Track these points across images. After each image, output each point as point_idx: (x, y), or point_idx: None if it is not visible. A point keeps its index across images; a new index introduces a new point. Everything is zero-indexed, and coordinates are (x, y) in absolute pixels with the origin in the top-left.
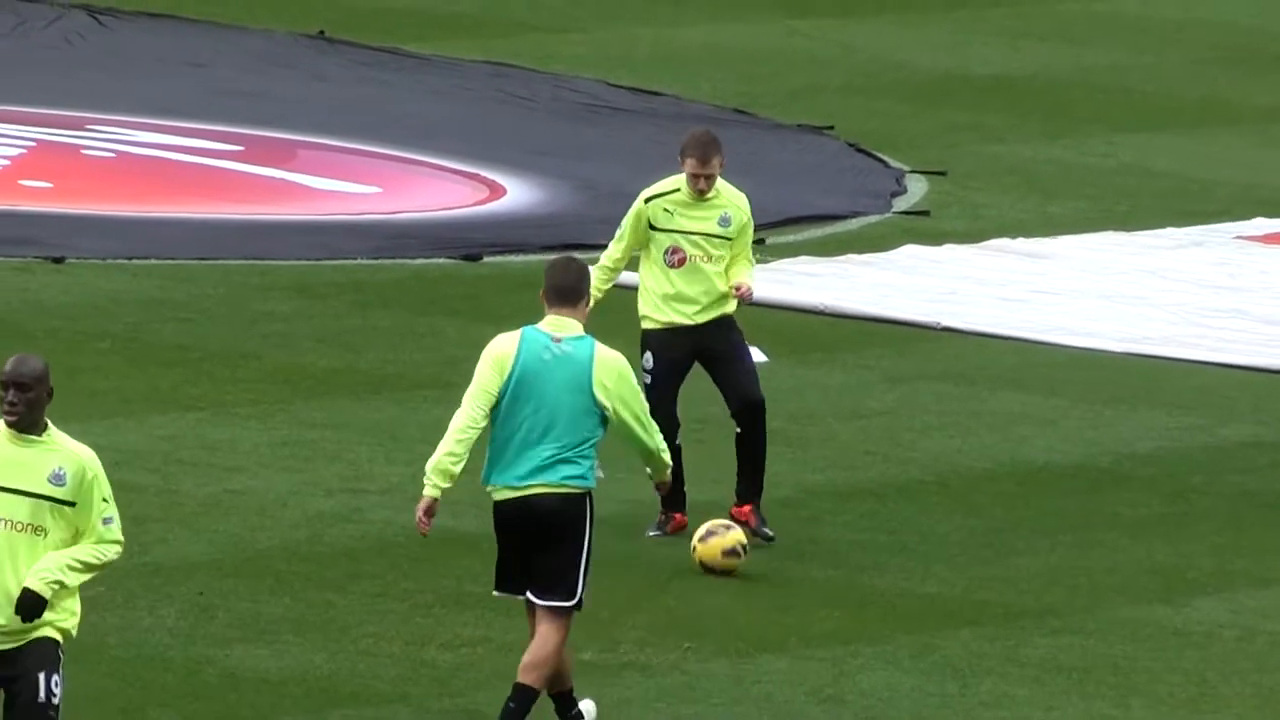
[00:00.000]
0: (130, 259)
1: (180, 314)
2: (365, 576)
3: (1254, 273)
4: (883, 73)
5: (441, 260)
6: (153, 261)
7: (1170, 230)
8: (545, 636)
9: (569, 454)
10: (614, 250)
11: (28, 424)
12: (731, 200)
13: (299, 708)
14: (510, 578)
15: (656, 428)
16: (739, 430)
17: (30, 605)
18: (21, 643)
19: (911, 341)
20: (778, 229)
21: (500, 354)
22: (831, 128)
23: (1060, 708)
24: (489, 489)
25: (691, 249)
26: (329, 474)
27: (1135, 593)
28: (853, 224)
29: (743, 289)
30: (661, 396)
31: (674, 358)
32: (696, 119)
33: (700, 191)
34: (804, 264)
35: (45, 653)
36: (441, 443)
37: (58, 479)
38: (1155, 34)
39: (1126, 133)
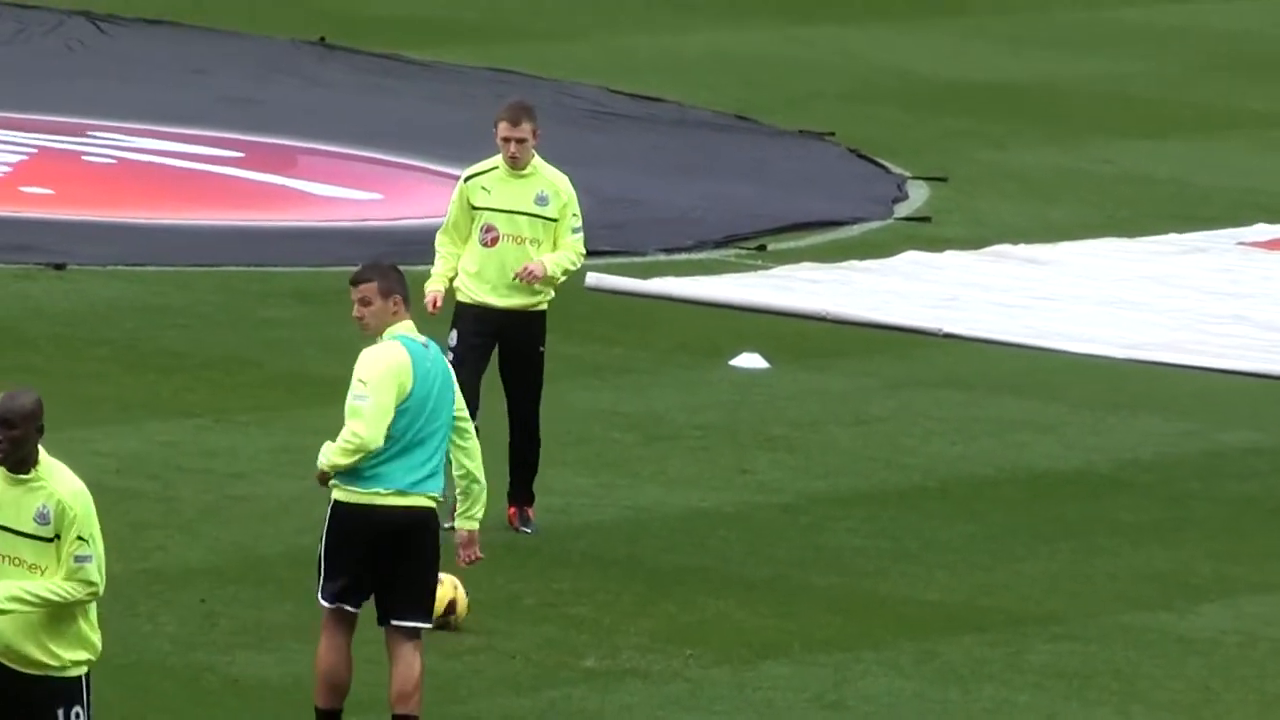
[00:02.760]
0: (130, 265)
1: (180, 320)
2: None
3: (1255, 279)
4: (883, 79)
5: None
6: (153, 268)
7: (1171, 236)
8: (410, 661)
9: (441, 460)
10: (442, 238)
11: (14, 462)
12: (550, 179)
13: (301, 715)
14: (361, 588)
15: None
16: (512, 440)
17: None
18: (34, 676)
19: (912, 347)
20: (779, 235)
21: (399, 362)
22: (832, 134)
23: (1062, 714)
24: (366, 491)
25: (505, 227)
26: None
27: (1136, 599)
28: (854, 230)
29: (526, 270)
30: (465, 375)
31: (477, 339)
32: (697, 125)
33: (514, 158)
34: (805, 270)
35: (68, 688)
36: (340, 451)
37: (42, 518)
38: (1154, 41)
39: (1127, 139)
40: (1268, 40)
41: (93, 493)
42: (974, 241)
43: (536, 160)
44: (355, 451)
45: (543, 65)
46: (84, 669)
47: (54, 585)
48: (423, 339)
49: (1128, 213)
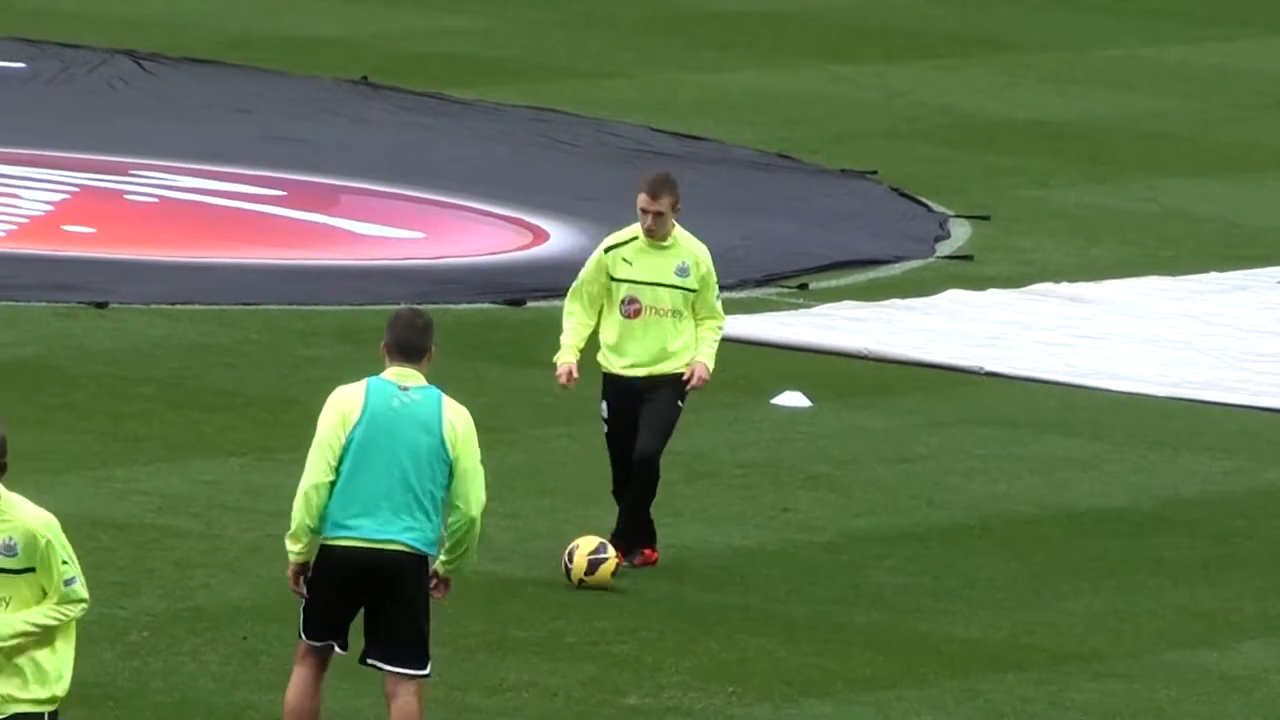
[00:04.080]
0: (174, 304)
1: (224, 359)
2: None
3: None
4: (926, 117)
5: (485, 305)
6: (196, 306)
7: (1214, 275)
8: (408, 707)
9: (421, 509)
10: (573, 305)
11: None
12: (690, 250)
13: None
14: (332, 628)
15: (483, 497)
16: (637, 484)
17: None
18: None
19: (955, 386)
20: (821, 274)
21: (345, 404)
22: (875, 172)
23: None
24: (329, 539)
25: (648, 299)
26: None
27: (1179, 637)
28: (896, 268)
29: (694, 377)
30: (619, 445)
31: (627, 411)
32: (740, 164)
33: (650, 230)
34: (848, 308)
35: None
36: (295, 506)
37: (9, 550)
38: (1198, 80)
39: (1170, 177)
40: None
41: (136, 531)
42: (1016, 280)
43: (677, 230)
44: (301, 493)
45: (585, 104)
46: (51, 707)
47: (48, 610)
48: (404, 388)
49: (1170, 251)
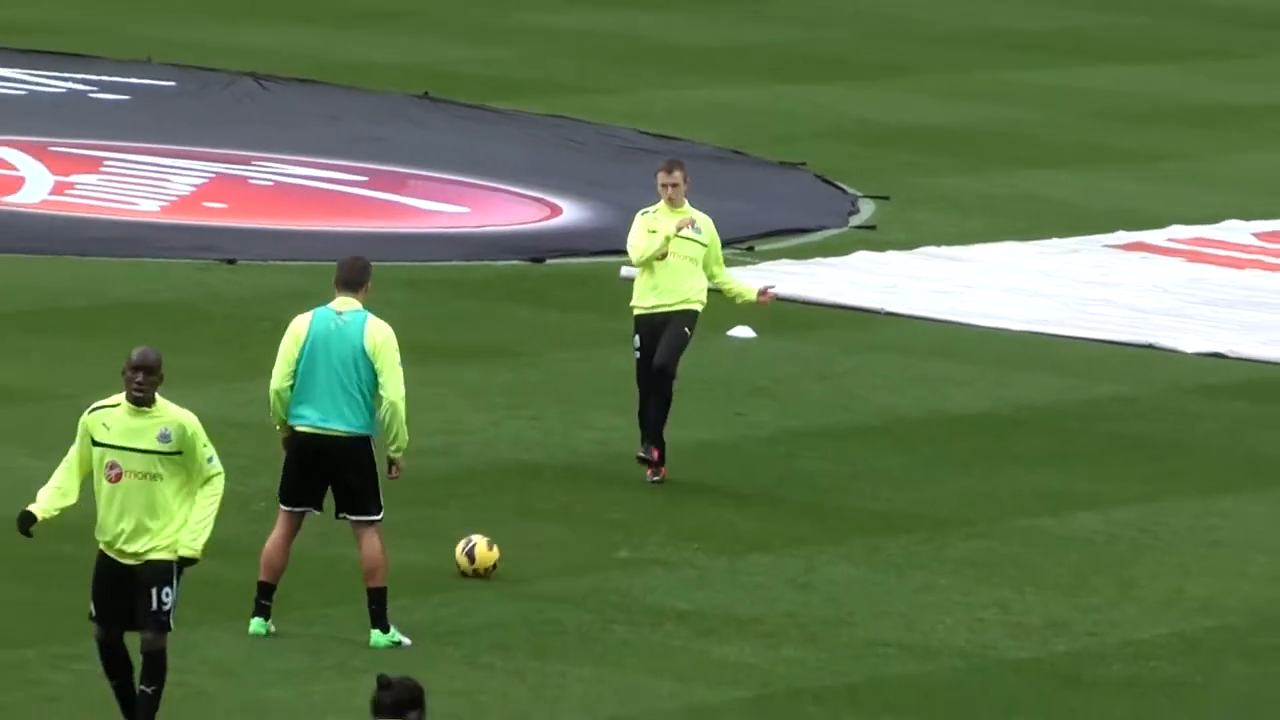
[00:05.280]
0: (284, 260)
1: (320, 301)
2: (458, 496)
3: (1118, 272)
4: (843, 124)
5: (515, 262)
6: (301, 262)
7: (1055, 241)
8: (371, 545)
9: (354, 403)
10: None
11: (147, 401)
12: (698, 215)
13: (409, 591)
14: (302, 494)
15: (401, 389)
16: (656, 396)
17: (187, 564)
18: (140, 563)
19: (863, 323)
20: (764, 239)
21: (298, 328)
22: (804, 164)
23: (974, 592)
24: (294, 426)
25: (675, 249)
26: (431, 421)
27: (1030, 508)
28: (818, 236)
29: (770, 296)
30: (644, 368)
31: (651, 339)
32: (702, 158)
33: (670, 199)
34: (783, 265)
35: (161, 569)
36: (270, 402)
37: (164, 437)
38: (1048, 96)
39: (1025, 169)
40: (1132, 96)
41: (256, 429)
42: (909, 244)
43: (688, 203)
44: (272, 392)
45: (589, 112)
46: (174, 557)
47: (203, 501)
48: (339, 313)
49: (1024, 224)
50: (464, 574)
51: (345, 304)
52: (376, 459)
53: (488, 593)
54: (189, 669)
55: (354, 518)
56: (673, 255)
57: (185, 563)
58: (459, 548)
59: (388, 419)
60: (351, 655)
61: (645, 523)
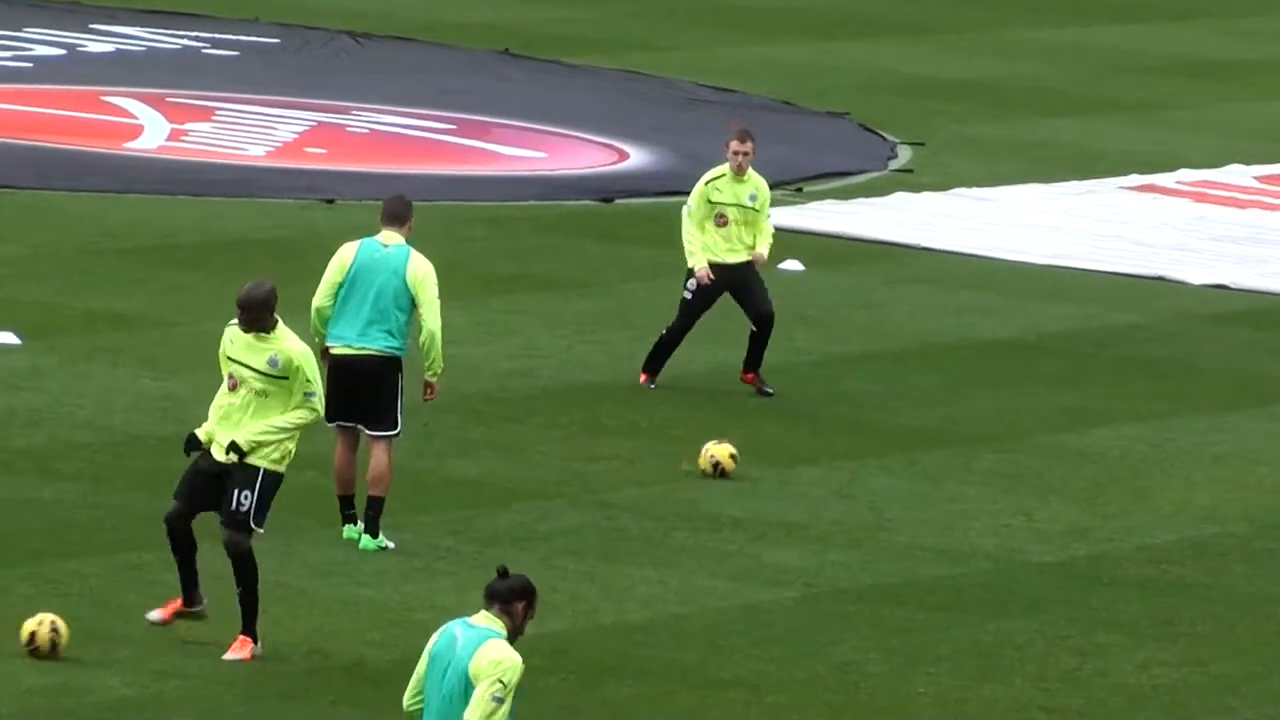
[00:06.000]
0: (378, 200)
1: (411, 237)
2: (536, 413)
3: (1130, 211)
4: (882, 77)
5: (587, 201)
6: None
7: (1074, 183)
8: (379, 458)
9: (389, 326)
10: (690, 225)
11: (258, 329)
12: (758, 183)
13: (491, 501)
14: (344, 412)
15: (439, 320)
16: (754, 329)
17: (233, 450)
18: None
19: (901, 257)
20: (811, 181)
21: (345, 254)
22: (848, 114)
23: (1001, 501)
24: (330, 346)
25: (732, 215)
26: (511, 345)
27: (1051, 425)
28: (860, 178)
29: (759, 258)
30: (699, 308)
31: (713, 287)
32: (756, 108)
33: (739, 167)
34: (829, 205)
35: (246, 475)
36: (312, 317)
37: (273, 364)
38: (1064, 52)
39: (1046, 117)
40: (1144, 52)
41: None
42: (942, 186)
43: (751, 171)
44: (314, 309)
45: (656, 67)
46: (263, 466)
47: (289, 417)
48: (385, 245)
49: (1045, 168)
50: (704, 474)
51: (390, 237)
52: (404, 382)
53: (561, 501)
54: (289, 571)
55: (370, 431)
56: (732, 223)
57: (239, 454)
58: (705, 461)
59: (427, 346)
60: (436, 559)
61: (704, 438)
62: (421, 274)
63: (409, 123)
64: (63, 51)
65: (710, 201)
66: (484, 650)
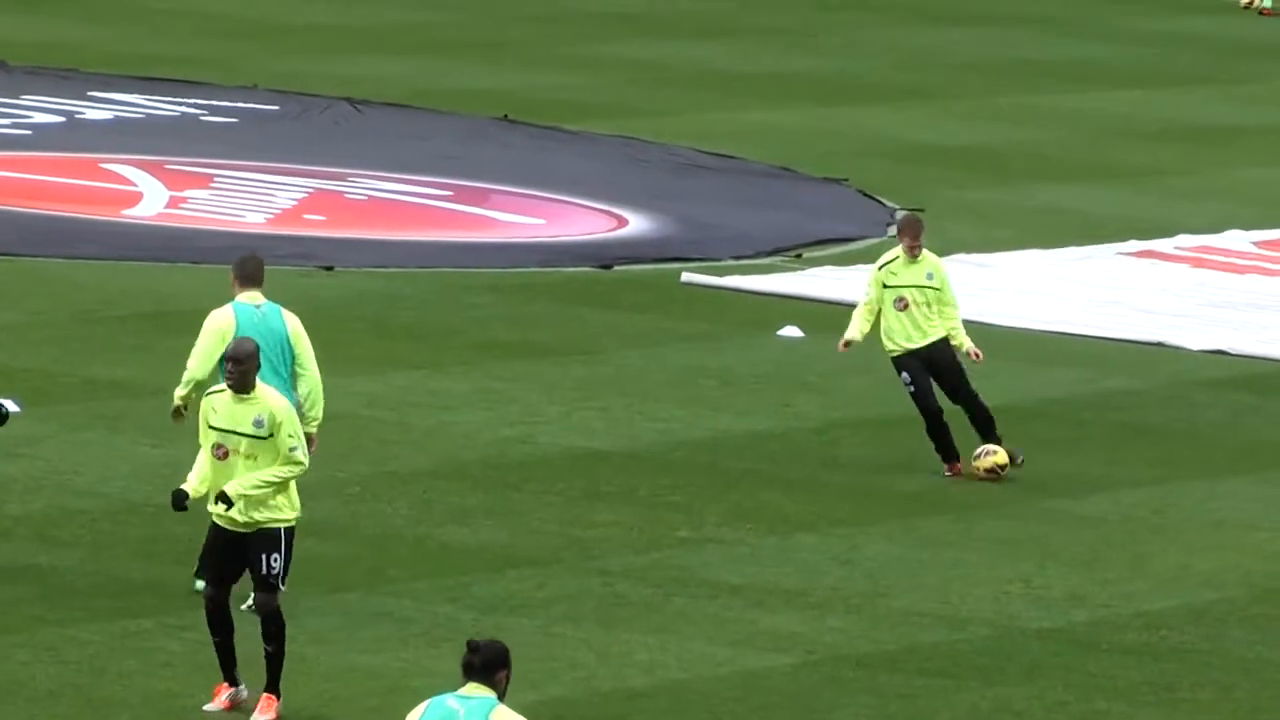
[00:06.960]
0: (377, 268)
1: (411, 304)
2: (534, 480)
3: (1129, 277)
4: (882, 144)
5: (585, 268)
6: (393, 269)
7: (1072, 249)
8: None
9: (278, 384)
10: (863, 310)
11: (242, 387)
12: (934, 263)
13: (487, 567)
14: None
15: (317, 370)
16: (973, 414)
17: (221, 500)
18: (251, 531)
19: None
20: (810, 247)
21: (223, 322)
22: (847, 179)
23: (999, 567)
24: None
25: (911, 297)
26: (510, 412)
27: (1050, 491)
28: (860, 244)
29: (977, 356)
30: (927, 396)
31: (920, 372)
32: (756, 174)
33: (912, 255)
34: (829, 270)
35: (270, 539)
36: (184, 379)
37: (259, 424)
38: (1064, 118)
39: (1044, 184)
40: (1142, 118)
41: (350, 419)
42: (941, 251)
43: (925, 252)
44: (186, 379)
45: (655, 133)
46: (282, 525)
47: (275, 470)
48: (258, 305)
49: (1044, 233)
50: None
51: (254, 298)
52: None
53: (559, 567)
54: (290, 637)
55: None
56: (914, 304)
57: (227, 504)
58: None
59: (313, 397)
60: (435, 625)
61: (702, 505)
62: (299, 328)
63: (407, 189)
64: (61, 118)
65: (885, 285)
66: (496, 717)
